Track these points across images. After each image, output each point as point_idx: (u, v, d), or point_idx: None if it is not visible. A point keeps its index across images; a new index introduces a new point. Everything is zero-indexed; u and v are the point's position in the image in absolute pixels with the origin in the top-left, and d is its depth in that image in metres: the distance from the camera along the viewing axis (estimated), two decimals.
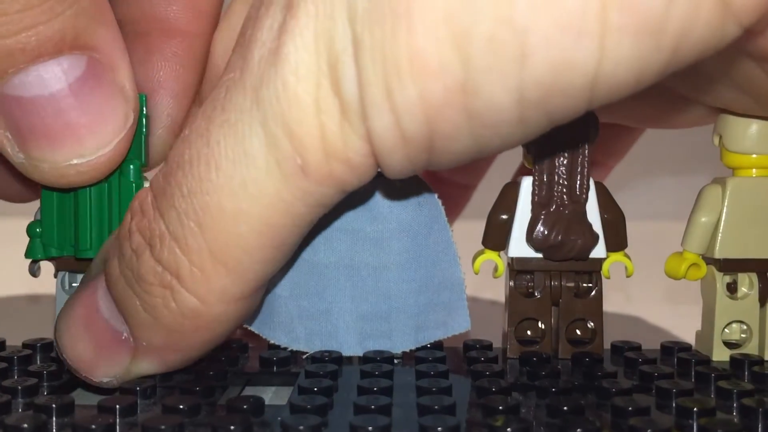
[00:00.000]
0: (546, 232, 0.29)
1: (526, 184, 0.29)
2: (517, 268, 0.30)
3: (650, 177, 0.69)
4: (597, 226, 0.29)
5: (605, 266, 0.30)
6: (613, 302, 0.37)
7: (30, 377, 0.26)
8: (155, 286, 0.24)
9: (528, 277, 0.30)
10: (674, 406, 0.24)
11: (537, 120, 0.21)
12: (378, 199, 0.29)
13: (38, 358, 0.30)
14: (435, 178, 0.29)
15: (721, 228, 0.29)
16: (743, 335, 0.30)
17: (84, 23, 0.25)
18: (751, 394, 0.25)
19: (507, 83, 0.20)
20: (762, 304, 0.30)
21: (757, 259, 0.30)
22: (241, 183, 0.23)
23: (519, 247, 0.29)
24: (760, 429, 0.23)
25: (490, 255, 0.30)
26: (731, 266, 0.30)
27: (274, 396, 0.28)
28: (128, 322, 0.25)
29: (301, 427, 0.22)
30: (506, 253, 0.30)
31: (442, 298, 0.30)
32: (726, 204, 0.29)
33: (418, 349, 0.30)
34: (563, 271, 0.30)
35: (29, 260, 0.30)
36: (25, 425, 0.22)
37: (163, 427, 0.22)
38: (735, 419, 0.24)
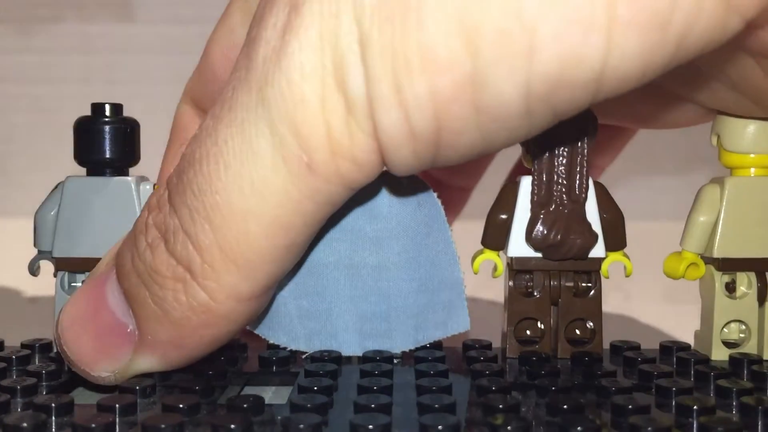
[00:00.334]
0: (545, 232, 0.29)
1: (526, 183, 0.29)
2: (517, 268, 0.30)
3: (650, 177, 0.69)
4: (596, 226, 0.29)
5: (604, 266, 0.30)
6: (613, 302, 0.37)
7: (29, 377, 0.26)
8: (168, 278, 0.24)
9: (527, 276, 0.30)
10: (674, 405, 0.24)
11: (543, 113, 0.22)
12: (378, 199, 0.29)
13: (37, 358, 0.29)
14: (432, 181, 0.29)
15: (720, 227, 0.29)
16: (742, 335, 0.30)
17: None
18: (750, 392, 0.25)
19: (515, 77, 0.21)
20: (761, 303, 0.30)
21: (756, 258, 0.30)
22: (249, 182, 0.23)
23: (518, 246, 0.29)
24: (759, 427, 0.23)
25: (490, 255, 0.30)
26: (730, 266, 0.30)
27: (273, 396, 0.28)
28: (136, 315, 0.25)
29: (302, 426, 0.22)
30: (505, 253, 0.30)
31: (442, 298, 0.30)
32: (724, 203, 0.29)
33: (417, 349, 0.30)
34: (562, 271, 0.30)
35: (29, 260, 0.30)
36: (25, 424, 0.22)
37: (162, 426, 0.22)
38: (735, 417, 0.24)
